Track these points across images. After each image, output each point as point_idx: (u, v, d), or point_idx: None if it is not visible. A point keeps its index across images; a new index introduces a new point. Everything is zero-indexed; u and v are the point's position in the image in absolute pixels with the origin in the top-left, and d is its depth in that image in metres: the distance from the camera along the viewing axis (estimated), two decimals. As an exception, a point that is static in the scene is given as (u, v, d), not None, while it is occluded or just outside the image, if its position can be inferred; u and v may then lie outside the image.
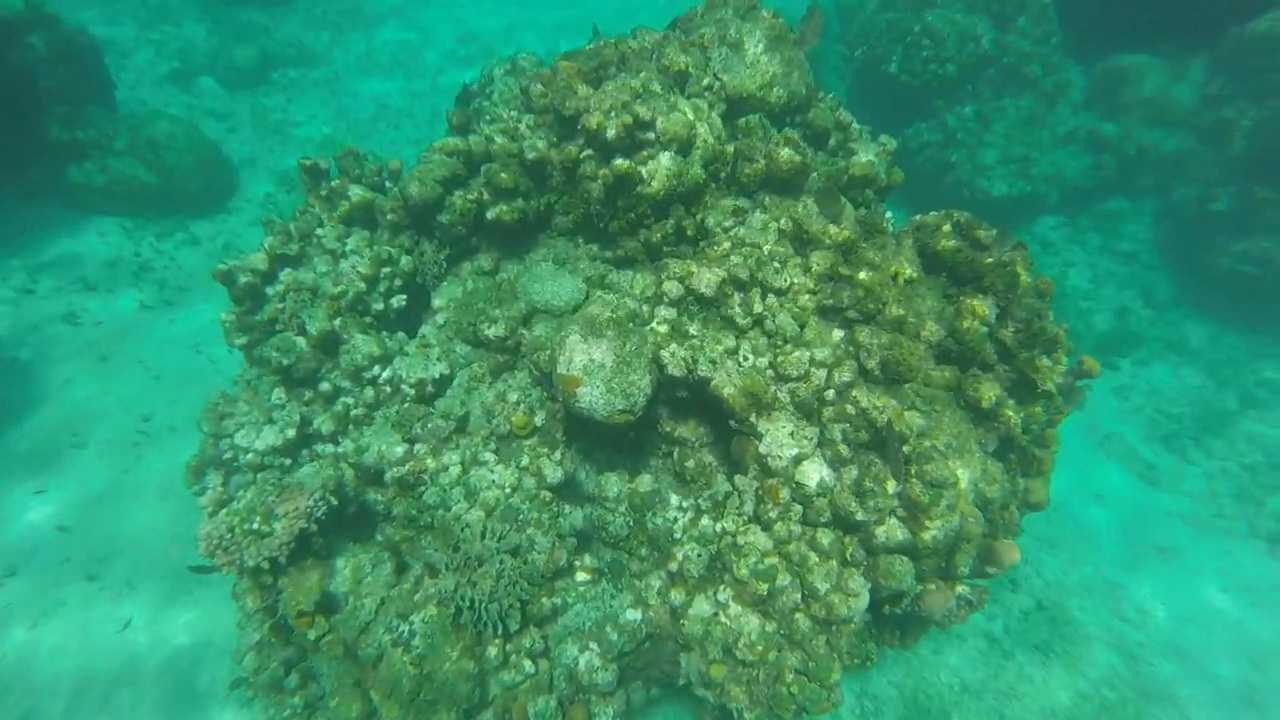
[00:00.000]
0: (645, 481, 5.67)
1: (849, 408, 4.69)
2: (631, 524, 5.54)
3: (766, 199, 5.96)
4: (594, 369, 4.85)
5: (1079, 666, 7.51)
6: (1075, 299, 11.58)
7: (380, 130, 13.83)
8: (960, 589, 4.86)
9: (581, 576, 5.24)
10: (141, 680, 6.49)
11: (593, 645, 5.06)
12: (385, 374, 5.93)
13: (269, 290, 6.42)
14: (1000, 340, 5.09)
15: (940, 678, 7.28)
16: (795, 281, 5.23)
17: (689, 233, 6.06)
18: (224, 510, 4.93)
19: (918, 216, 6.00)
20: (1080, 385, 5.47)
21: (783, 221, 5.70)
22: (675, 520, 5.34)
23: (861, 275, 5.08)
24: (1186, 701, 7.38)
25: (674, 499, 5.49)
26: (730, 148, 6.31)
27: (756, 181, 5.95)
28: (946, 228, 5.56)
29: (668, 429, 5.61)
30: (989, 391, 4.72)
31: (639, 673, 5.33)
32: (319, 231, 6.43)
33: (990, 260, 5.27)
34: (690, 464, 5.61)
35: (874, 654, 4.79)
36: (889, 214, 7.12)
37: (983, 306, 4.84)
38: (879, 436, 4.59)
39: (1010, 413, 4.74)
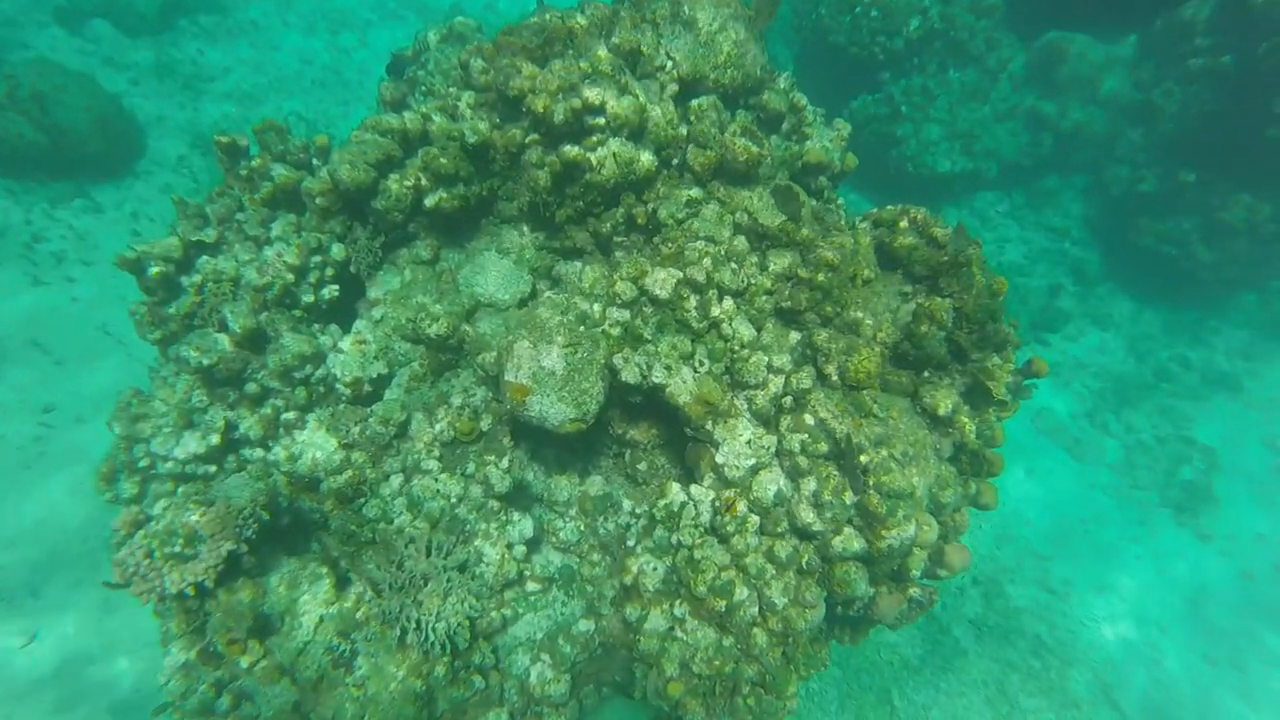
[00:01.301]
0: (596, 484, 5.52)
1: (808, 417, 4.61)
2: (582, 529, 5.40)
3: (720, 189, 5.75)
4: (544, 377, 4.63)
5: (1009, 639, 7.87)
6: (1011, 275, 11.85)
7: (306, 89, 12.88)
8: (912, 591, 4.92)
9: (532, 587, 5.09)
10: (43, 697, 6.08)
11: (544, 657, 4.95)
12: (318, 373, 5.55)
13: (184, 280, 5.90)
14: (954, 340, 5.08)
15: (880, 655, 7.51)
16: (753, 282, 5.08)
17: (640, 222, 5.81)
18: (140, 532, 4.54)
19: (874, 210, 5.91)
20: (1028, 384, 5.55)
21: (738, 215, 5.51)
22: (628, 526, 5.22)
23: (820, 277, 4.96)
24: (1102, 666, 7.84)
25: (626, 504, 5.37)
26: (683, 131, 6.05)
27: (710, 171, 5.72)
28: (904, 224, 5.50)
29: (619, 431, 5.45)
30: (945, 399, 4.72)
31: (591, 677, 5.25)
32: (239, 216, 5.91)
33: (946, 259, 5.23)
34: (642, 466, 5.49)
35: (827, 659, 4.82)
36: (840, 200, 7.05)
37: (941, 312, 4.80)
38: (838, 448, 4.53)
39: (965, 420, 4.75)
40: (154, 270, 5.70)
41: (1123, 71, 11.93)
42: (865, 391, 4.79)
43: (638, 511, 5.26)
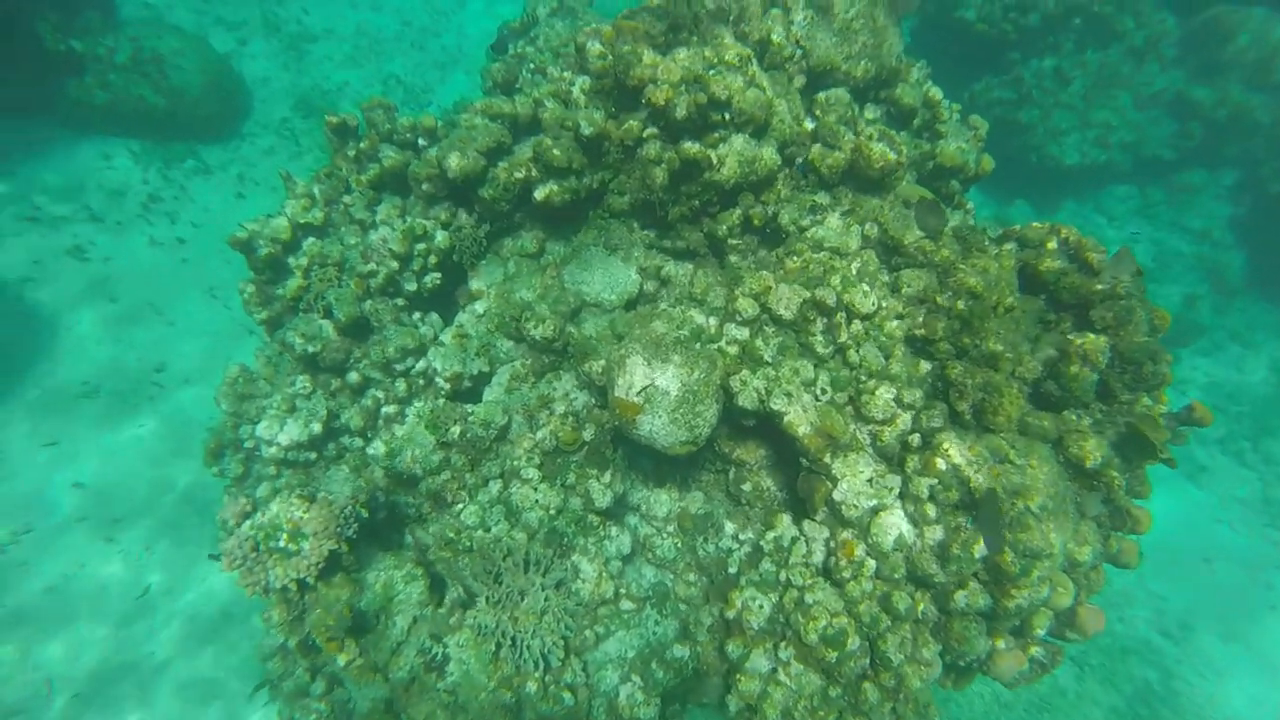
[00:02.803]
0: (697, 501, 5.29)
1: (939, 461, 4.22)
2: (680, 546, 5.19)
3: (848, 196, 5.31)
4: (657, 397, 4.37)
5: (1114, 682, 7.35)
6: (1137, 279, 10.89)
7: (404, 50, 12.79)
8: (1034, 650, 4.54)
9: (627, 605, 4.93)
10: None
11: (635, 678, 4.79)
12: (419, 365, 5.46)
13: (291, 261, 5.89)
14: (1103, 378, 4.58)
15: (973, 688, 7.14)
16: (883, 305, 4.67)
17: (756, 223, 5.45)
18: (248, 523, 4.57)
19: (1017, 227, 5.36)
20: (1184, 430, 4.98)
21: (867, 226, 5.08)
22: (730, 552, 4.98)
23: (960, 305, 4.51)
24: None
25: (729, 526, 5.12)
26: (808, 126, 5.62)
27: (837, 174, 5.28)
28: (1052, 245, 4.96)
29: (725, 449, 5.18)
30: (1095, 451, 4.25)
31: (678, 698, 5.10)
32: (346, 199, 5.82)
33: (1101, 288, 4.69)
34: (747, 487, 5.21)
35: (936, 714, 4.51)
36: (970, 204, 6.47)
37: (1097, 353, 4.30)
38: (970, 496, 4.14)
39: (1115, 474, 4.28)
40: (263, 252, 5.69)
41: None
42: (1002, 435, 4.36)
43: (741, 537, 5.01)
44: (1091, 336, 4.42)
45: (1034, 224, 5.22)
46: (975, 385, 4.44)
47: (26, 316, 8.18)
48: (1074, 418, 4.66)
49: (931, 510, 4.17)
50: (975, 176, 6.23)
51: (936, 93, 6.19)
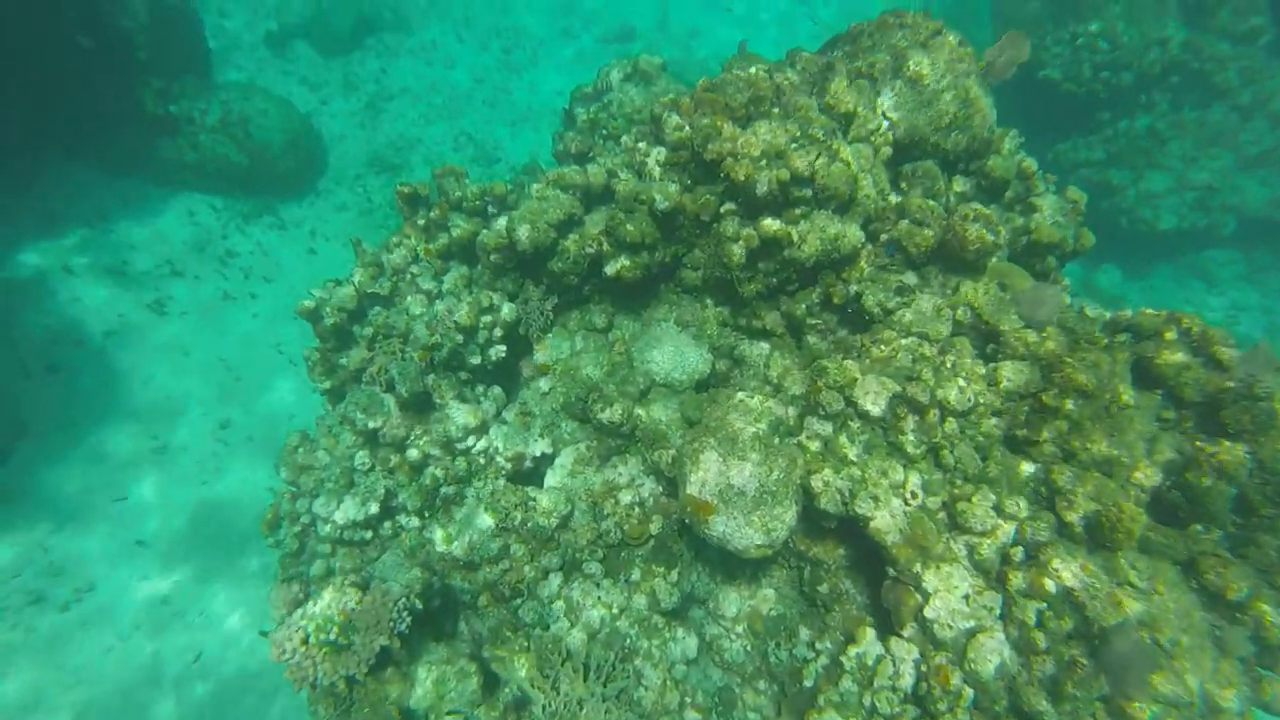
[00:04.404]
0: (769, 600, 4.89)
1: (1047, 582, 3.76)
2: (749, 649, 4.80)
3: (938, 276, 4.97)
4: (732, 496, 4.06)
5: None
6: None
7: (475, 107, 13.05)
8: (1159, 802, 3.95)
9: (692, 716, 4.54)
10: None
11: (700, 799, 4.39)
12: (480, 444, 5.28)
13: (356, 330, 5.84)
14: (1241, 491, 4.06)
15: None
16: (980, 401, 4.27)
17: (836, 301, 5.14)
18: (299, 612, 4.39)
19: (1129, 313, 4.91)
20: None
21: (960, 311, 4.71)
22: (806, 661, 4.56)
23: (1068, 405, 4.09)
24: None
25: (804, 632, 4.71)
26: (894, 199, 5.32)
27: (925, 253, 4.95)
28: (1171, 335, 4.49)
29: (800, 546, 4.80)
30: (1238, 581, 3.73)
31: (745, 820, 4.65)
32: (413, 269, 5.75)
33: (1233, 386, 4.20)
34: (824, 588, 4.80)
35: None
36: (1066, 281, 6.02)
37: (1235, 465, 3.81)
38: (1085, 625, 3.67)
39: (1267, 609, 3.74)
40: (329, 321, 5.65)
41: None
42: (1121, 553, 3.88)
43: (819, 646, 4.59)
44: (1228, 445, 3.94)
45: (1148, 310, 4.77)
46: (1085, 495, 3.99)
47: (108, 370, 8.40)
48: (1199, 529, 4.15)
49: (1041, 640, 3.70)
50: (1074, 253, 5.80)
51: (1031, 164, 5.82)
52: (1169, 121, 9.98)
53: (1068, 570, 3.75)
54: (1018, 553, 3.98)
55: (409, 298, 5.76)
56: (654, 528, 4.71)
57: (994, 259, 5.08)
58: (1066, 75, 9.90)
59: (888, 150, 5.36)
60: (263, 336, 9.06)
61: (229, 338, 9.01)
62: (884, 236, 5.16)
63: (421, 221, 5.95)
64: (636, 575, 4.61)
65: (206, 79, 11.09)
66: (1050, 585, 3.77)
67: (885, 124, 5.32)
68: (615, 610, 4.52)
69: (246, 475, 7.86)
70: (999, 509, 4.02)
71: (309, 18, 13.42)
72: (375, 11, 14.05)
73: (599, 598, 4.55)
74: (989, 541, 3.98)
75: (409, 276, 5.83)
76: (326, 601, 4.38)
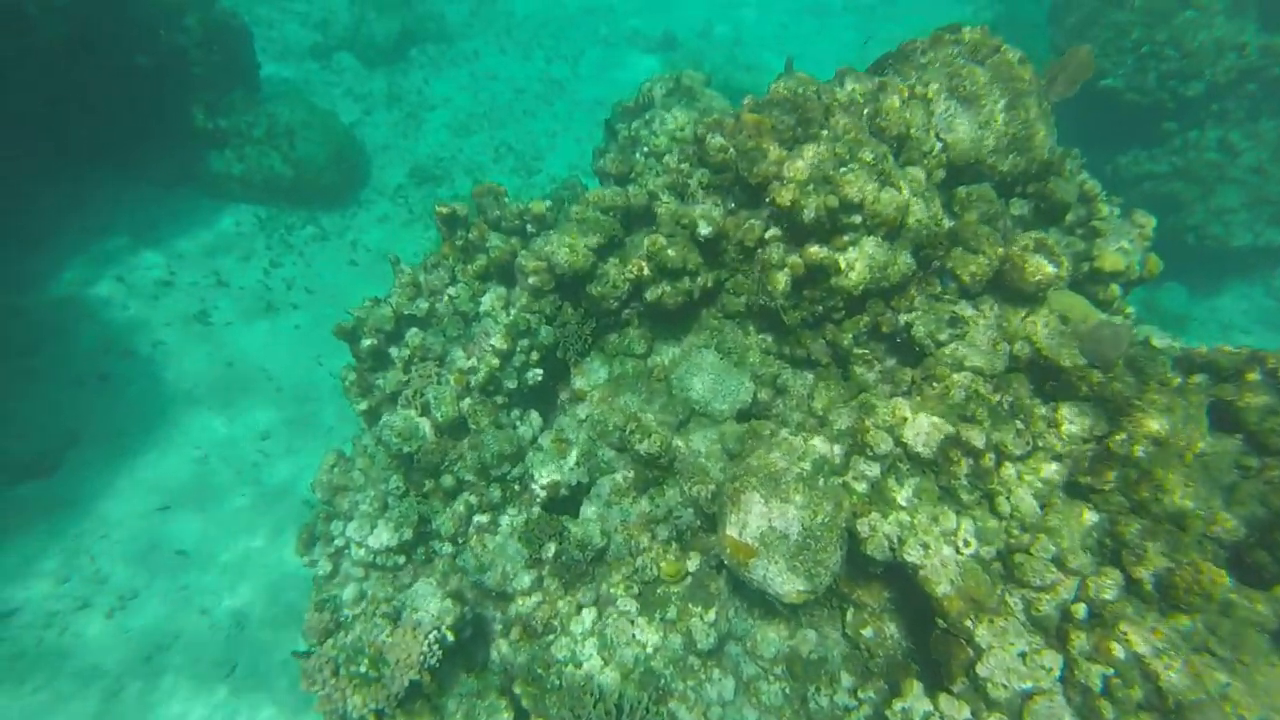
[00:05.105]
0: (809, 642, 4.70)
1: (1114, 646, 3.51)
2: (788, 692, 4.61)
3: (993, 308, 4.72)
4: (774, 540, 3.89)
5: None
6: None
7: (516, 118, 13.04)
8: None
9: (727, 764, 4.38)
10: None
11: None
12: (515, 471, 5.19)
13: (393, 351, 5.80)
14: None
15: None
16: (1039, 444, 4.02)
17: (884, 330, 4.93)
18: (330, 641, 4.35)
19: (1203, 349, 4.60)
20: None
21: (1018, 345, 4.46)
22: (848, 711, 4.36)
23: (1137, 452, 3.82)
24: None
25: (846, 679, 4.50)
26: (947, 224, 5.08)
27: (980, 283, 4.70)
28: (1253, 376, 4.18)
29: (844, 588, 4.59)
30: (1331, 652, 3.42)
31: None
32: (451, 291, 5.69)
33: (1322, 432, 3.88)
34: (868, 632, 4.59)
35: None
36: (1130, 310, 5.70)
37: (1330, 522, 3.51)
38: (1159, 696, 3.41)
39: (1363, 685, 3.43)
40: (366, 343, 5.62)
41: None
42: (1199, 617, 3.60)
43: (861, 695, 4.38)
44: (1316, 499, 3.63)
45: (1226, 348, 4.46)
46: (1156, 551, 3.72)
47: (155, 380, 8.55)
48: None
49: (1107, 710, 3.44)
50: (1140, 280, 5.49)
51: (1094, 186, 5.53)
52: (1244, 131, 9.46)
53: (1138, 634, 3.50)
54: (1080, 610, 3.73)
55: (446, 319, 5.70)
56: (691, 565, 4.55)
57: (1096, 325, 4.82)
58: (1129, 85, 9.46)
59: (941, 173, 5.13)
60: (304, 348, 9.14)
61: (271, 349, 9.11)
62: (936, 263, 4.94)
63: (460, 242, 5.89)
64: (673, 613, 4.46)
65: (255, 92, 11.28)
66: (1118, 650, 3.51)
67: (939, 145, 5.09)
68: (650, 649, 4.38)
69: (286, 486, 7.91)
70: (1060, 562, 3.78)
71: (353, 29, 13.58)
72: (418, 23, 14.16)
73: (633, 636, 4.41)
74: (1048, 597, 3.74)
75: (446, 298, 5.77)
76: (358, 633, 4.33)
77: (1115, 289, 5.38)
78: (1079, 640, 3.64)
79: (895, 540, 3.91)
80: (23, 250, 9.41)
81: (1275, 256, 9.68)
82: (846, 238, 4.69)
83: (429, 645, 4.24)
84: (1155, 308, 9.86)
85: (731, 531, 3.97)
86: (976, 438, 3.91)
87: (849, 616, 4.66)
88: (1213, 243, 9.35)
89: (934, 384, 4.26)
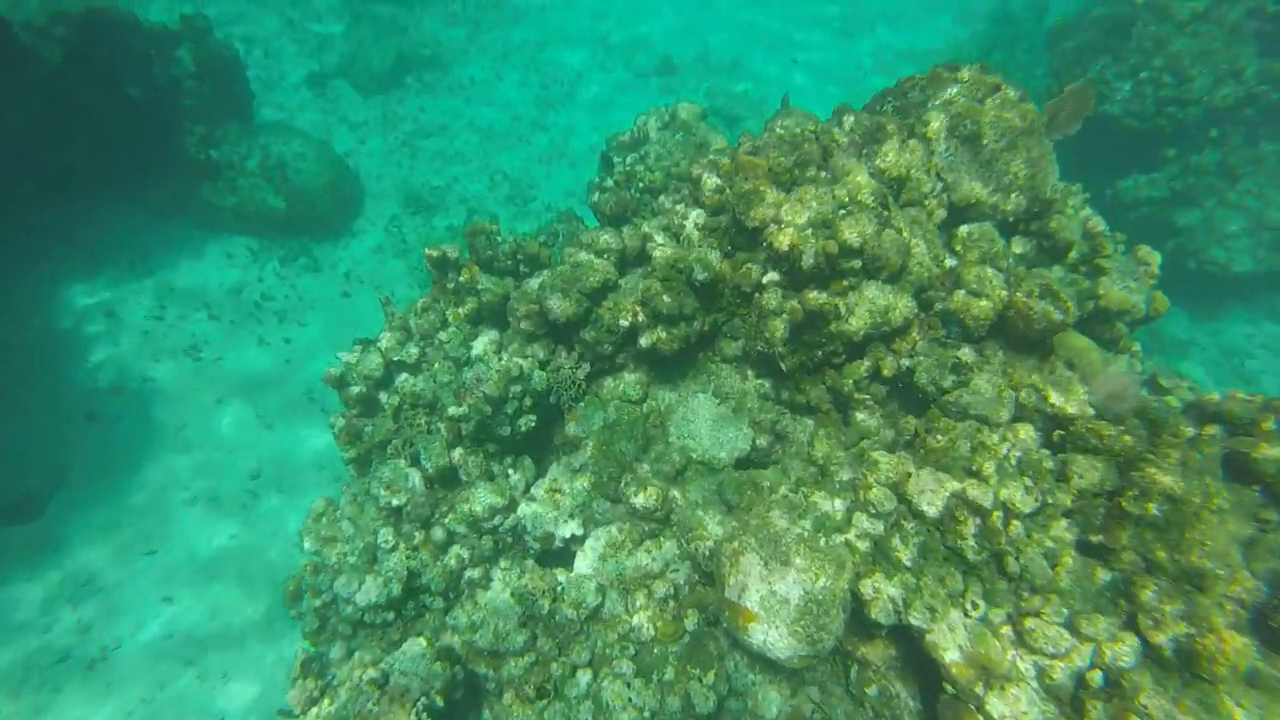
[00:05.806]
0: (812, 698, 4.53)
1: (1134, 719, 3.35)
2: (791, 755, 4.43)
3: (997, 354, 4.59)
4: (774, 605, 3.74)
5: None
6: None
7: (511, 145, 12.97)
8: None
9: (729, 834, 4.20)
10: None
11: None
12: (508, 522, 5.04)
13: (383, 396, 5.67)
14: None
15: None
16: (1049, 500, 3.88)
17: (885, 373, 4.79)
18: (314, 710, 4.18)
19: (1216, 397, 4.47)
20: None
21: (1024, 394, 4.33)
22: (854, 779, 4.18)
23: (1151, 510, 3.68)
24: None
25: (852, 742, 4.33)
26: (948, 264, 4.97)
27: (983, 327, 4.58)
28: (1269, 425, 4.05)
29: (847, 645, 4.43)
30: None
31: None
32: (441, 336, 5.57)
33: (1342, 486, 3.74)
34: (872, 690, 4.41)
35: None
36: (1137, 346, 5.58)
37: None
38: (1181, 772, 3.25)
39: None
40: (355, 390, 5.49)
41: None
42: (1223, 684, 3.45)
43: (867, 762, 4.21)
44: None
45: (1238, 395, 4.33)
46: (1173, 615, 3.57)
47: (143, 417, 8.40)
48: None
49: (1128, 787, 3.28)
50: (1146, 319, 5.37)
51: (1098, 223, 5.42)
52: (1243, 156, 9.40)
53: (1159, 710, 3.34)
54: (1095, 677, 3.57)
55: (436, 365, 5.57)
56: (689, 624, 4.39)
57: (1114, 373, 4.70)
58: (1128, 111, 9.40)
59: (941, 213, 5.02)
60: (294, 382, 9.00)
61: (261, 383, 8.97)
62: (938, 306, 4.82)
63: (451, 285, 5.77)
64: (670, 675, 4.29)
65: (248, 122, 11.20)
66: (1135, 721, 3.35)
67: (939, 186, 4.98)
68: (647, 714, 4.21)
69: (274, 527, 7.75)
70: (1073, 627, 3.62)
71: (349, 57, 13.55)
72: (414, 50, 14.13)
73: (630, 700, 4.24)
74: (1062, 665, 3.58)
75: (437, 343, 5.65)
76: (344, 700, 4.16)
77: (1121, 327, 5.27)
78: (1096, 711, 3.48)
79: (901, 603, 3.76)
80: (9, 282, 9.28)
81: (1278, 282, 9.58)
82: (846, 282, 4.57)
83: (417, 714, 4.07)
84: (1158, 334, 9.74)
85: (730, 595, 3.82)
86: (983, 496, 3.76)
87: (853, 674, 4.50)
88: (1214, 268, 9.26)
89: (938, 436, 4.13)
